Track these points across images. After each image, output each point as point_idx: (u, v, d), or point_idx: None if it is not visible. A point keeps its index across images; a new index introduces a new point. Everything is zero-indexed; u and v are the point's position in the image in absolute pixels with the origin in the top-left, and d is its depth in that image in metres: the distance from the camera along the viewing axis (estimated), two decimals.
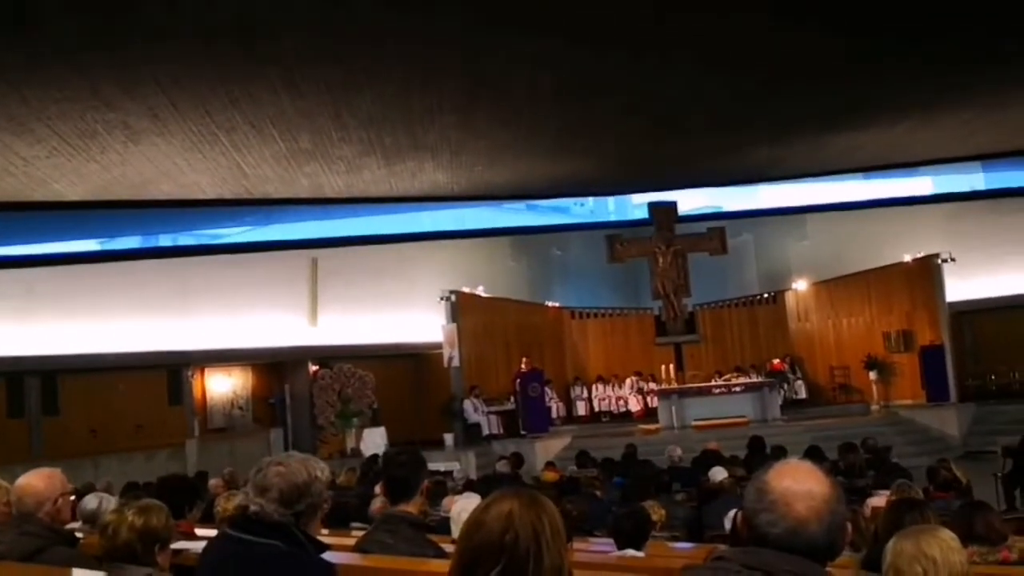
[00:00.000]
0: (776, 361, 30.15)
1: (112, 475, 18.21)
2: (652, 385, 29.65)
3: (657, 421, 27.34)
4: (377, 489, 9.65)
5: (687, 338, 30.32)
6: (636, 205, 38.17)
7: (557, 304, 31.73)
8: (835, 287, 30.50)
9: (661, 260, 29.41)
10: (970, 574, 4.01)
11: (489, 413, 26.53)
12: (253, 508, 3.83)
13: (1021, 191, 29.19)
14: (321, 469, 4.02)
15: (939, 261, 26.67)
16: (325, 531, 7.18)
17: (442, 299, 26.40)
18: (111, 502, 7.41)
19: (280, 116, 14.65)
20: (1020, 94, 18.14)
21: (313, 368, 27.26)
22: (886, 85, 16.97)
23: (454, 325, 26.38)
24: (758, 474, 2.81)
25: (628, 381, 30.72)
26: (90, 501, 7.45)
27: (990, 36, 14.58)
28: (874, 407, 27.83)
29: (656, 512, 9.02)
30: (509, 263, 31.97)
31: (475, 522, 2.71)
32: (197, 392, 25.89)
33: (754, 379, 28.43)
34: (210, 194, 18.88)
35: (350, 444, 25.91)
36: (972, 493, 11.21)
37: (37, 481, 5.40)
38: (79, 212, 18.62)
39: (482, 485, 12.62)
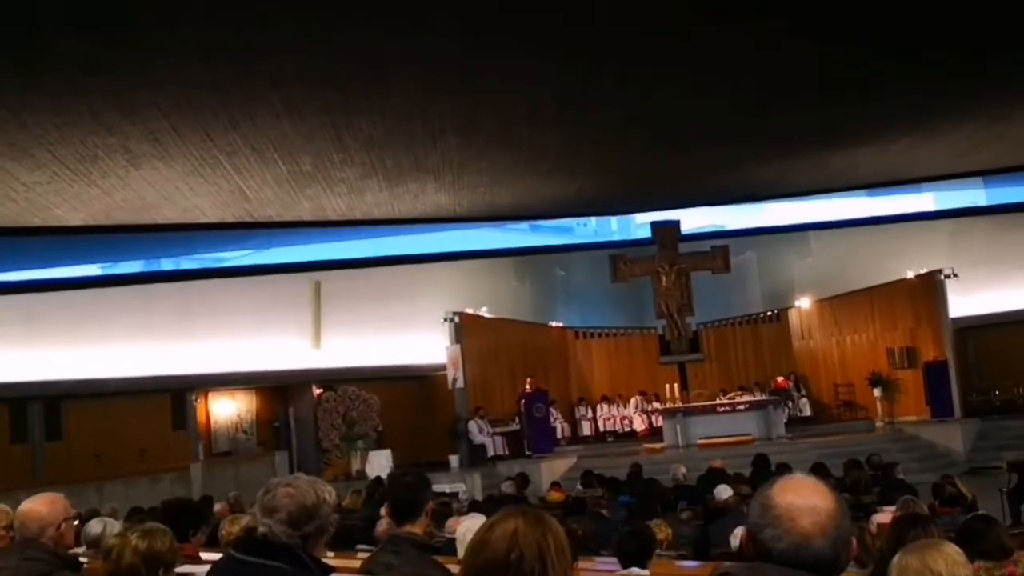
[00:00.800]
0: (780, 379, 30.09)
1: (116, 500, 18.19)
2: (656, 404, 29.59)
3: (662, 440, 27.29)
4: (382, 511, 9.63)
5: (691, 357, 30.33)
6: (639, 225, 38.29)
7: (561, 324, 31.72)
8: (838, 304, 30.47)
9: (664, 279, 29.43)
10: None
11: (494, 434, 26.51)
12: (261, 529, 3.83)
13: (1023, 206, 29.17)
14: (329, 492, 4.04)
15: (942, 277, 26.67)
16: (331, 554, 7.17)
17: (446, 320, 26.40)
18: (115, 526, 7.40)
19: (281, 139, 14.67)
20: (1022, 110, 18.15)
21: (317, 391, 27.24)
22: (886, 102, 16.99)
23: (458, 346, 26.38)
24: (762, 489, 2.80)
25: (632, 400, 30.70)
26: (94, 526, 7.45)
27: (991, 51, 14.60)
28: (879, 424, 27.77)
29: (662, 531, 9.01)
30: (512, 284, 31.95)
31: (480, 541, 2.70)
32: (201, 416, 25.86)
33: (758, 397, 28.39)
34: (212, 218, 18.90)
35: (355, 467, 25.89)
36: (978, 508, 11.19)
37: (40, 506, 5.39)
38: (81, 237, 18.64)
39: (487, 506, 12.60)
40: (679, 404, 27.96)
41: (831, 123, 18.40)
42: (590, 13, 11.74)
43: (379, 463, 24.33)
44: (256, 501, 3.97)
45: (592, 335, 32.20)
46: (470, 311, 27.46)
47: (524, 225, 38.84)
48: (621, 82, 14.72)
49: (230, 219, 19.29)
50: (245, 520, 7.67)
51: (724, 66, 14.35)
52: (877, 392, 28.11)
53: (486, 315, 28.20)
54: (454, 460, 25.48)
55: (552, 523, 2.75)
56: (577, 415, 30.58)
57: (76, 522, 6.05)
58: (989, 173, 25.36)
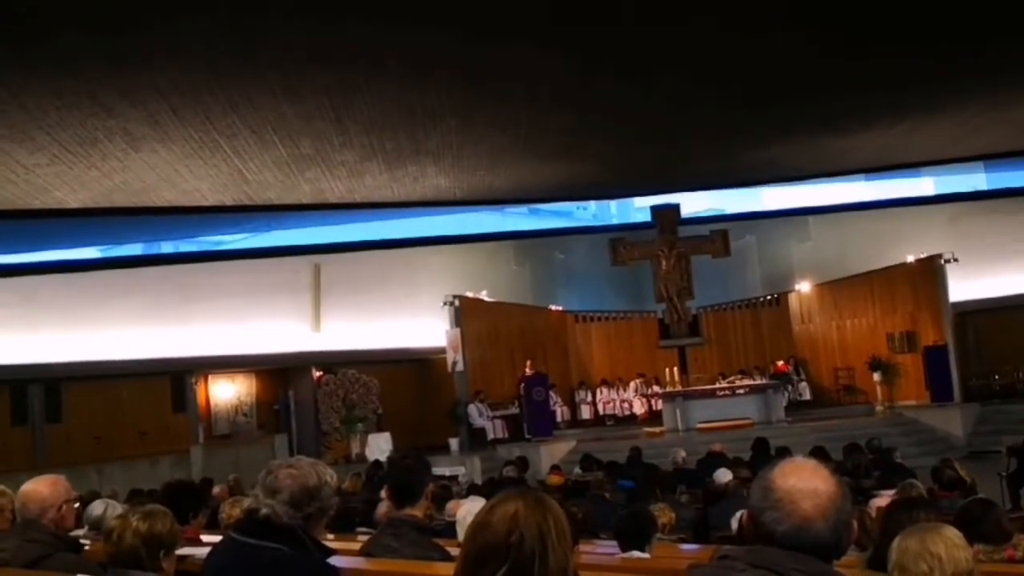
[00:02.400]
0: (780, 363, 30.14)
1: (116, 482, 18.24)
2: (656, 388, 29.60)
3: (661, 424, 27.30)
4: (382, 494, 9.65)
5: (691, 341, 30.30)
6: (639, 208, 38.29)
7: (561, 308, 31.73)
8: (838, 288, 30.47)
9: (664, 263, 29.39)
10: (975, 571, 4.01)
11: (494, 417, 26.53)
12: (264, 511, 3.83)
13: (1023, 191, 29.15)
14: (330, 474, 4.06)
15: (942, 261, 26.66)
16: (331, 536, 7.18)
17: (446, 304, 26.41)
18: (116, 508, 7.41)
19: (281, 121, 14.64)
20: (1019, 94, 18.13)
21: (317, 374, 27.24)
22: (884, 87, 16.95)
23: (458, 330, 26.39)
24: (763, 473, 2.80)
25: (632, 384, 30.72)
26: (96, 507, 7.46)
27: (988, 37, 14.57)
28: (878, 408, 27.80)
29: (666, 515, 9.01)
30: (512, 267, 31.95)
31: (481, 523, 2.71)
32: (201, 399, 25.88)
33: (758, 381, 28.42)
34: (211, 200, 18.86)
35: (355, 450, 25.92)
36: (977, 492, 11.20)
37: (42, 487, 5.40)
38: (80, 219, 18.62)
39: (487, 489, 12.62)
40: (679, 388, 27.95)
41: (829, 110, 18.37)
42: (590, 7, 11.72)
43: (379, 446, 24.38)
44: (257, 483, 3.97)
45: (592, 319, 32.22)
46: (470, 294, 27.47)
47: (523, 209, 38.89)
48: (619, 73, 14.71)
49: (229, 202, 19.26)
50: (246, 503, 7.69)
51: (723, 58, 14.33)
52: (877, 376, 28.12)
53: (486, 298, 28.22)
54: (454, 443, 25.52)
55: (553, 506, 2.75)
56: (577, 399, 30.62)
57: (77, 504, 6.05)
58: (989, 157, 25.32)
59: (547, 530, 2.65)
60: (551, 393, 27.72)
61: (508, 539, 2.62)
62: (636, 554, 6.99)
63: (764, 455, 16.17)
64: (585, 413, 30.49)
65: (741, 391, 27.53)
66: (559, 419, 28.87)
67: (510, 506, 2.70)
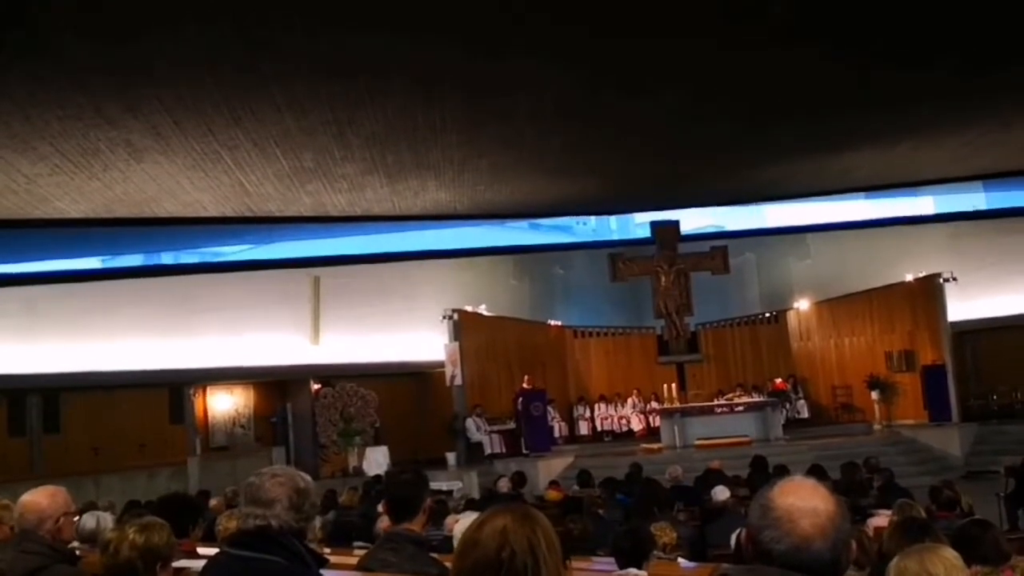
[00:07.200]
0: (778, 380, 30.10)
1: (113, 494, 18.21)
2: (654, 404, 29.59)
3: (659, 440, 27.28)
4: (380, 508, 9.64)
5: (689, 357, 30.30)
6: (639, 224, 38.30)
7: (559, 323, 31.71)
8: (837, 306, 30.49)
9: (663, 279, 29.42)
10: None
11: (491, 432, 26.50)
12: (273, 522, 3.83)
13: (1023, 211, 29.15)
14: (303, 476, 4.06)
15: (941, 280, 26.70)
16: (327, 550, 7.16)
17: (444, 318, 26.40)
18: (108, 521, 7.42)
19: (283, 134, 14.64)
20: (1021, 114, 18.14)
21: (315, 387, 27.22)
22: (887, 106, 16.96)
23: (456, 344, 26.38)
24: (762, 491, 2.81)
25: (630, 400, 30.69)
26: (88, 520, 7.45)
27: (990, 58, 14.59)
28: (876, 427, 27.81)
29: (667, 535, 8.97)
30: (511, 282, 31.94)
31: (470, 540, 2.72)
32: (199, 410, 25.87)
33: (756, 398, 28.38)
34: (212, 212, 18.86)
35: (352, 463, 25.89)
36: (974, 513, 11.18)
37: (41, 498, 5.38)
38: (81, 230, 18.61)
39: (484, 504, 12.60)
40: (677, 404, 27.94)
41: (831, 130, 18.39)
42: (592, 22, 11.73)
43: (376, 460, 24.36)
44: (243, 501, 3.97)
45: (590, 334, 32.21)
46: (469, 308, 27.47)
47: (523, 223, 38.83)
48: (622, 89, 14.72)
49: (230, 214, 19.25)
50: (253, 520, 7.68)
51: (725, 78, 14.35)
52: (875, 395, 28.14)
53: (485, 313, 28.20)
54: (451, 457, 25.51)
55: (541, 519, 2.76)
56: (575, 414, 30.58)
57: (76, 518, 6.04)
58: (989, 177, 25.33)
59: (537, 543, 2.66)
60: (549, 408, 27.69)
61: (499, 555, 2.63)
62: (633, 571, 6.98)
63: (762, 473, 16.14)
64: (583, 429, 30.47)
65: (739, 408, 27.52)
66: (557, 434, 28.84)
67: (498, 522, 2.71)
